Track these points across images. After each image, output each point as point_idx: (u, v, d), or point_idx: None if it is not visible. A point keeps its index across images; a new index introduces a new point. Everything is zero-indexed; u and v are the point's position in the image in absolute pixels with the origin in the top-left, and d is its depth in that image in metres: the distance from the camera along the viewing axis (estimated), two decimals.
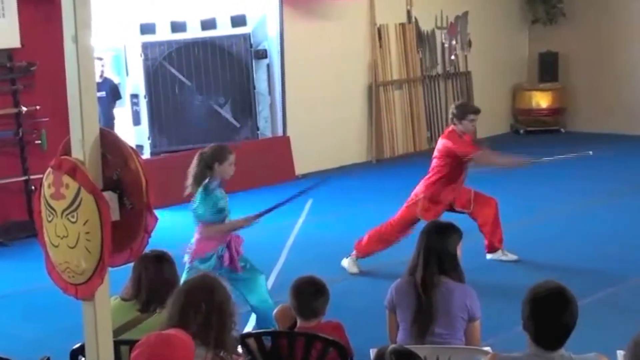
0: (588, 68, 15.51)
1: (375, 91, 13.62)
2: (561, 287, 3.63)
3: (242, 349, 4.39)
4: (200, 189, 6.06)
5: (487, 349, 4.50)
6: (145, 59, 11.54)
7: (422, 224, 6.04)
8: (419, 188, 7.87)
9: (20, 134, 9.85)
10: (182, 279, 5.13)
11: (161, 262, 4.75)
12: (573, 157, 8.97)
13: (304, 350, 4.42)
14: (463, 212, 7.86)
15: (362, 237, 7.99)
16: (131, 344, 3.56)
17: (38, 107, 9.83)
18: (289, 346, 4.47)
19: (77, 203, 2.87)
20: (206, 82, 11.92)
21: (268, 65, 12.50)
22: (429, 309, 4.71)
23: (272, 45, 12.45)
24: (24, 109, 9.83)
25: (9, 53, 9.80)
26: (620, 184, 11.33)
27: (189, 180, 6.16)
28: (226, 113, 12.11)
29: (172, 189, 7.45)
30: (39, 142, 9.86)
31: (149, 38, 11.59)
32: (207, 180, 6.08)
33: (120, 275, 3.90)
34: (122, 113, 12.11)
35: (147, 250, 3.36)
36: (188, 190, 6.18)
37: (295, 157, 12.53)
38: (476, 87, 15.14)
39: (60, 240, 2.94)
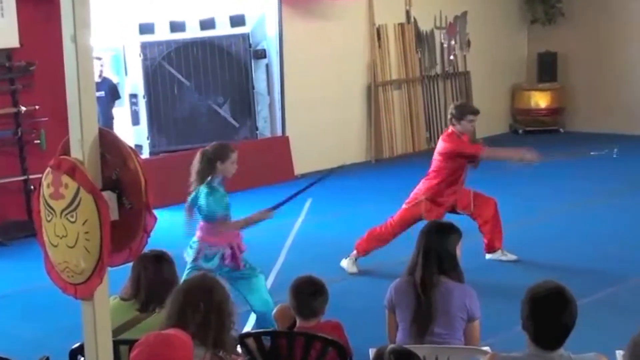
0: (587, 68, 15.51)
1: (374, 91, 13.62)
2: (560, 287, 3.63)
3: (241, 348, 4.39)
4: (203, 187, 6.08)
5: (487, 348, 4.50)
6: (144, 59, 11.53)
7: (421, 224, 6.04)
8: (420, 189, 7.85)
9: (19, 133, 9.85)
10: (183, 279, 5.12)
11: (160, 261, 4.75)
12: (596, 155, 8.94)
13: (303, 350, 4.42)
14: (464, 214, 7.86)
15: (361, 237, 8.00)
16: (130, 343, 3.55)
17: (37, 107, 9.82)
18: (288, 346, 4.46)
19: (76, 203, 2.87)
20: (205, 82, 11.92)
21: (267, 65, 12.50)
22: (428, 308, 4.71)
23: (271, 45, 12.44)
24: (23, 108, 9.82)
25: (8, 53, 9.80)
26: (620, 184, 11.33)
27: (192, 177, 6.18)
28: (225, 113, 12.11)
29: (171, 189, 7.45)
30: (38, 141, 9.86)
31: (148, 38, 11.59)
32: (209, 178, 6.10)
33: (120, 275, 3.89)
34: (121, 113, 12.10)
35: (146, 250, 3.36)
36: (192, 188, 6.21)
37: (294, 157, 12.53)
38: (475, 87, 15.14)
39: (59, 239, 2.94)
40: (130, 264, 4.59)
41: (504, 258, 8.10)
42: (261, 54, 12.41)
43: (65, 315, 5.59)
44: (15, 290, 8.08)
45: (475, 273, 6.18)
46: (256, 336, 4.53)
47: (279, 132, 12.66)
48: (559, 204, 10.42)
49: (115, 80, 12.11)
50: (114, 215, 2.92)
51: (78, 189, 2.86)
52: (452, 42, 14.85)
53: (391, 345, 3.67)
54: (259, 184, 11.41)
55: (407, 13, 14.16)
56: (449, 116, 7.86)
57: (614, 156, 8.50)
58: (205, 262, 6.10)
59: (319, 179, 6.79)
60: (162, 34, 11.70)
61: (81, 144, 2.90)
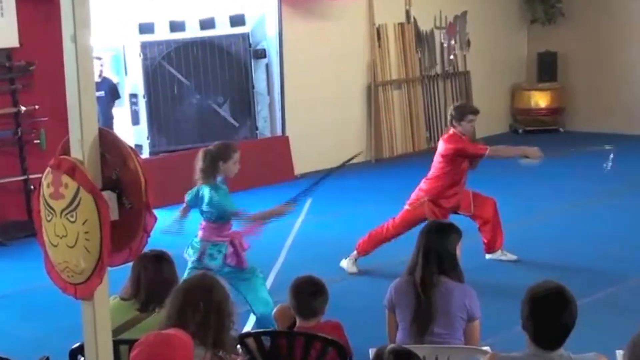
0: (587, 68, 15.52)
1: (374, 91, 13.62)
2: (560, 287, 3.63)
3: (241, 348, 4.38)
4: (205, 187, 6.11)
5: (487, 348, 4.50)
6: (144, 59, 11.53)
7: (421, 224, 6.04)
8: (422, 190, 7.83)
9: (19, 133, 9.84)
10: (183, 278, 5.13)
11: (160, 261, 4.75)
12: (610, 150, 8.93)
13: (303, 349, 4.42)
14: (464, 214, 7.87)
15: (362, 238, 8.00)
16: (130, 343, 3.55)
17: (37, 107, 9.82)
18: (288, 346, 4.46)
19: (76, 202, 2.87)
20: (205, 82, 11.92)
21: (267, 65, 12.50)
22: (428, 308, 4.71)
23: (271, 45, 12.45)
24: (23, 108, 9.82)
25: (8, 52, 9.80)
26: (620, 184, 11.32)
27: (197, 175, 6.21)
28: (225, 113, 12.11)
29: (171, 189, 7.45)
30: (38, 141, 9.86)
31: (147, 38, 11.59)
32: (212, 178, 6.16)
33: (119, 275, 3.89)
34: (121, 113, 12.10)
35: (146, 249, 3.36)
36: (197, 185, 6.25)
37: (294, 157, 12.53)
38: (475, 87, 15.14)
39: (59, 239, 2.93)
40: (130, 264, 4.59)
41: (504, 258, 8.10)
42: (261, 54, 12.41)
43: (65, 315, 5.59)
44: (15, 290, 8.08)
45: (475, 273, 6.18)
46: (256, 336, 4.53)
47: (279, 132, 12.66)
48: (559, 204, 10.42)
49: (115, 80, 12.11)
50: (114, 215, 2.92)
51: (78, 189, 2.86)
52: (452, 42, 14.85)
53: (391, 345, 3.67)
54: (259, 183, 11.41)
55: (407, 13, 14.17)
56: (449, 118, 7.86)
57: (607, 165, 8.47)
58: (210, 261, 6.13)
59: (336, 168, 6.82)
60: (162, 33, 11.70)
61: (81, 144, 2.90)
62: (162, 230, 6.09)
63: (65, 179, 2.89)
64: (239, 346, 4.34)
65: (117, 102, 12.05)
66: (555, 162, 9.20)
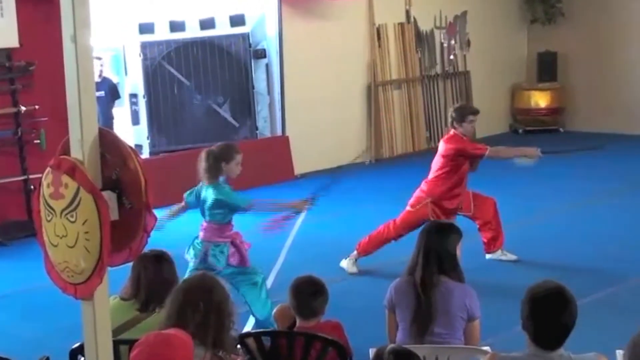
0: (587, 68, 15.52)
1: (374, 91, 13.62)
2: (560, 287, 3.63)
3: (241, 348, 4.38)
4: (209, 188, 6.12)
5: (487, 348, 4.49)
6: (144, 59, 11.53)
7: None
8: (423, 191, 7.80)
9: (19, 133, 9.84)
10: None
11: (160, 261, 4.75)
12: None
13: (303, 349, 4.42)
14: (464, 215, 7.87)
15: (363, 238, 8.00)
16: (130, 343, 3.55)
17: (37, 107, 9.82)
18: (288, 346, 4.46)
19: (76, 202, 2.87)
20: (205, 82, 11.92)
21: (267, 65, 12.50)
22: (428, 308, 4.71)
23: (271, 45, 12.45)
24: (23, 108, 9.82)
25: (8, 52, 9.80)
26: (620, 184, 11.33)
27: (202, 175, 6.23)
28: (225, 113, 12.11)
29: (171, 189, 7.44)
30: (38, 141, 9.86)
31: (147, 38, 11.59)
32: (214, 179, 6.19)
33: (120, 275, 3.89)
34: (121, 113, 12.10)
35: (146, 249, 3.36)
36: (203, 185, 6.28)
37: (294, 157, 12.53)
38: (475, 87, 15.14)
39: (59, 239, 2.93)
40: (130, 264, 4.59)
41: (504, 258, 8.10)
42: (261, 54, 12.41)
43: (65, 315, 5.59)
44: (15, 290, 8.08)
45: (475, 273, 6.18)
46: (256, 336, 4.53)
47: (279, 132, 12.66)
48: (559, 204, 10.42)
49: (115, 80, 12.11)
50: (114, 215, 2.92)
51: (78, 189, 2.86)
52: (452, 42, 14.85)
53: (391, 345, 3.67)
54: (259, 183, 11.40)
55: (407, 13, 14.17)
56: (449, 119, 7.86)
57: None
58: (214, 261, 6.14)
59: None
60: (162, 33, 11.70)
61: (81, 144, 2.90)
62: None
63: (65, 179, 2.89)
64: (239, 346, 4.34)
65: (117, 102, 12.06)
66: (555, 162, 9.20)
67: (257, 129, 12.42)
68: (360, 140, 13.65)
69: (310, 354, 4.41)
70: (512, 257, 8.11)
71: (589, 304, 6.48)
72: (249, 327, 6.31)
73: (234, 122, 12.18)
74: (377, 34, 13.67)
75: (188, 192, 6.44)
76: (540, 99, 15.71)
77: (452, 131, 7.78)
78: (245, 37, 12.11)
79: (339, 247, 8.29)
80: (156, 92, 11.62)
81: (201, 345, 3.62)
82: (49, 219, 2.96)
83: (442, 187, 7.70)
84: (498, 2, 15.59)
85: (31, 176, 9.71)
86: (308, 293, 4.75)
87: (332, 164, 12.99)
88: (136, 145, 10.98)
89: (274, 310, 5.36)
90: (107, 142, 2.96)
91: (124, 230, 2.95)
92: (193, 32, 11.88)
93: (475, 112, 7.88)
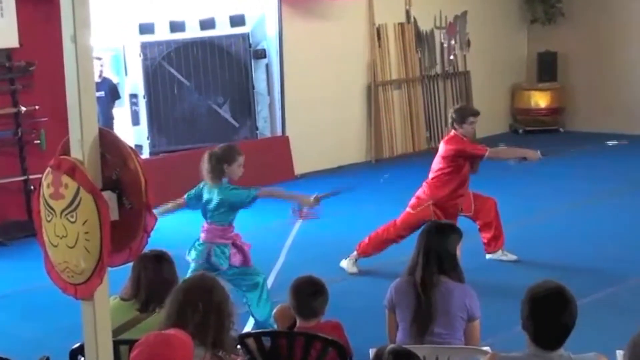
0: (587, 68, 15.51)
1: (374, 91, 13.62)
2: (560, 287, 3.63)
3: (241, 348, 4.38)
4: (215, 189, 6.13)
5: (487, 348, 4.50)
6: (144, 59, 11.53)
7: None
8: (424, 193, 7.78)
9: (19, 133, 9.84)
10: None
11: (160, 261, 4.75)
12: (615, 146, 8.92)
13: (303, 350, 4.42)
14: (464, 215, 7.87)
15: (363, 239, 8.00)
16: (130, 343, 3.55)
17: (37, 107, 9.82)
18: (288, 346, 4.46)
19: (76, 203, 2.87)
20: (205, 82, 11.91)
21: (267, 65, 12.50)
22: (428, 308, 4.71)
23: (271, 45, 12.44)
24: (23, 108, 9.82)
25: (8, 53, 9.79)
26: (620, 184, 11.32)
27: (206, 176, 6.24)
28: (225, 113, 12.11)
29: (171, 189, 7.43)
30: (38, 141, 9.86)
31: (147, 38, 11.59)
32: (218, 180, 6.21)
33: (120, 275, 3.89)
34: (121, 113, 12.10)
35: (146, 250, 3.36)
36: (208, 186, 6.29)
37: (294, 157, 12.53)
38: (475, 87, 15.14)
39: (59, 240, 2.93)
40: (130, 264, 4.59)
41: (504, 258, 8.10)
42: (261, 54, 12.41)
43: (65, 315, 5.59)
44: (15, 290, 8.08)
45: (475, 273, 6.18)
46: (256, 336, 4.53)
47: (279, 132, 12.65)
48: (559, 204, 10.42)
49: (115, 80, 12.11)
50: (114, 215, 2.92)
51: (78, 189, 2.86)
52: (452, 42, 14.85)
53: (391, 345, 3.67)
54: (259, 183, 11.29)
55: (407, 13, 14.16)
56: (449, 120, 7.86)
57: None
58: (218, 262, 6.15)
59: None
60: (162, 34, 11.70)
61: (81, 144, 2.90)
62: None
63: (65, 179, 2.89)
64: (239, 346, 4.34)
65: (117, 102, 12.05)
66: (555, 162, 9.19)
67: (257, 129, 12.42)
68: (360, 140, 13.65)
69: (311, 354, 4.41)
70: (512, 257, 8.11)
71: (589, 304, 6.48)
72: (249, 327, 6.31)
73: (234, 122, 12.17)
74: (377, 34, 13.67)
75: (189, 192, 6.43)
76: (540, 99, 15.71)
77: (452, 132, 7.78)
78: (245, 37, 12.11)
79: (339, 247, 8.29)
80: (156, 93, 11.62)
81: (201, 345, 3.62)
82: (49, 219, 2.96)
83: (445, 190, 7.68)
84: (498, 2, 15.59)
85: (31, 176, 9.71)
86: (308, 293, 4.75)
87: (332, 164, 12.98)
88: (136, 146, 10.98)
89: (274, 311, 5.36)
90: (107, 142, 2.96)
91: (124, 230, 2.95)
92: (193, 32, 11.88)
93: (476, 113, 7.89)
